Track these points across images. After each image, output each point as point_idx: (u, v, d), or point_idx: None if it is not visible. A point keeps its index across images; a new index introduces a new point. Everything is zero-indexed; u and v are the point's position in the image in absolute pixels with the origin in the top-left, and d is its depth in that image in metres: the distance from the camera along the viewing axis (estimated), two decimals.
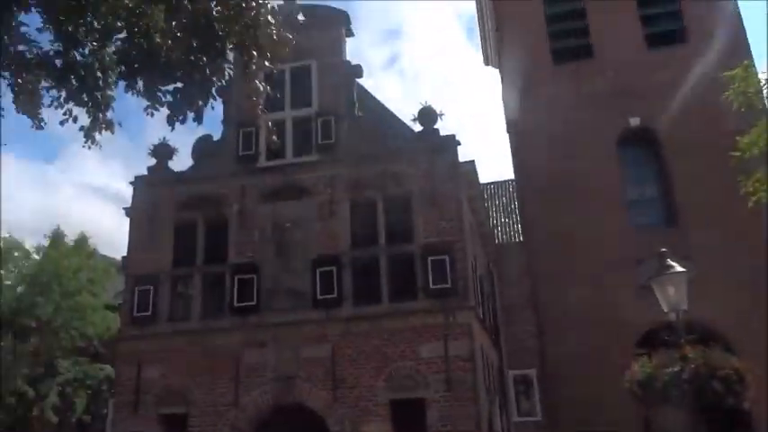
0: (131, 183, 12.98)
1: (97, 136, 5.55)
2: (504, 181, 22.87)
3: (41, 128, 6.13)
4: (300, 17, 13.83)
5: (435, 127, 12.35)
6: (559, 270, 17.14)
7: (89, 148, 5.54)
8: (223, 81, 5.62)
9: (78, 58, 5.30)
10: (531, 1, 20.08)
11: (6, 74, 5.78)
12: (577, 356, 15.84)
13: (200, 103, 5.29)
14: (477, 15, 26.49)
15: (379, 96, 13.05)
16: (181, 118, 5.28)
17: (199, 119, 5.36)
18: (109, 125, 5.49)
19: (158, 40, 5.35)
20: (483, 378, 11.66)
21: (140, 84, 5.28)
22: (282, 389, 10.97)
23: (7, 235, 29.05)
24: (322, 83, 13.07)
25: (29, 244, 29.23)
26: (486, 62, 26.79)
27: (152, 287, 11.98)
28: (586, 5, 19.70)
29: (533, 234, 17.99)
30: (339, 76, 13.09)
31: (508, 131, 20.32)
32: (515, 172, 19.43)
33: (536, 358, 16.62)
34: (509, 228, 20.27)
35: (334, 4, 13.97)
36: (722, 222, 16.04)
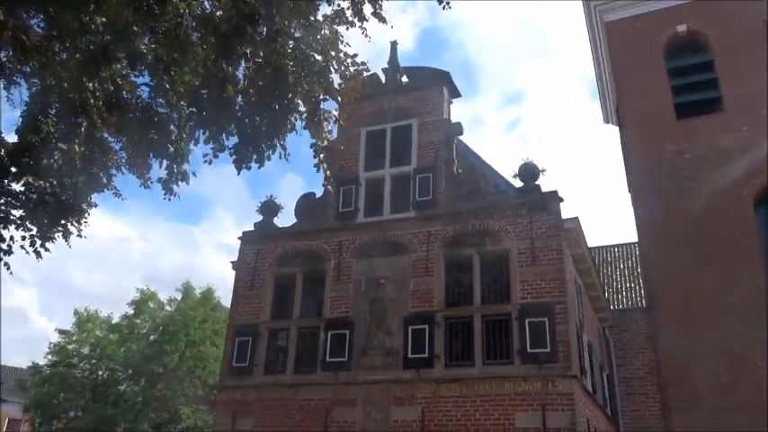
0: (239, 238, 13.65)
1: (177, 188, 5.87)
2: (630, 243, 21.34)
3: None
4: (404, 79, 14.27)
5: (537, 183, 11.86)
6: (688, 343, 15.38)
7: (169, 199, 5.87)
8: (290, 128, 5.71)
9: (159, 110, 5.70)
10: (652, 55, 19.13)
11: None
12: None
13: (264, 149, 5.41)
14: (595, 72, 25.73)
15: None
16: (248, 165, 5.42)
17: (261, 163, 5.47)
18: (184, 176, 5.79)
19: (231, 90, 5.62)
20: None
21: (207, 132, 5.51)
22: None
23: (145, 287, 31.73)
24: (422, 141, 13.14)
25: (163, 296, 31.74)
26: (606, 120, 25.71)
27: (251, 338, 12.31)
28: (715, 56, 18.39)
29: (657, 299, 16.41)
30: (439, 134, 13.09)
31: (630, 191, 19.07)
32: (638, 232, 18.06)
33: None
34: (635, 293, 18.70)
35: (453, 68, 14.05)
36: None
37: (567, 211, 11.67)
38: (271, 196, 14.11)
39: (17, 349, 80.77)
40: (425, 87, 13.58)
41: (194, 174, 5.87)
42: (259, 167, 5.59)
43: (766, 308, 14.39)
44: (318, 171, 5.95)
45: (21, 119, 6.45)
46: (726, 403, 14.25)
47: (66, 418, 30.36)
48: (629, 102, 19.45)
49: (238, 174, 5.61)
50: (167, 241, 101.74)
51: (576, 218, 11.52)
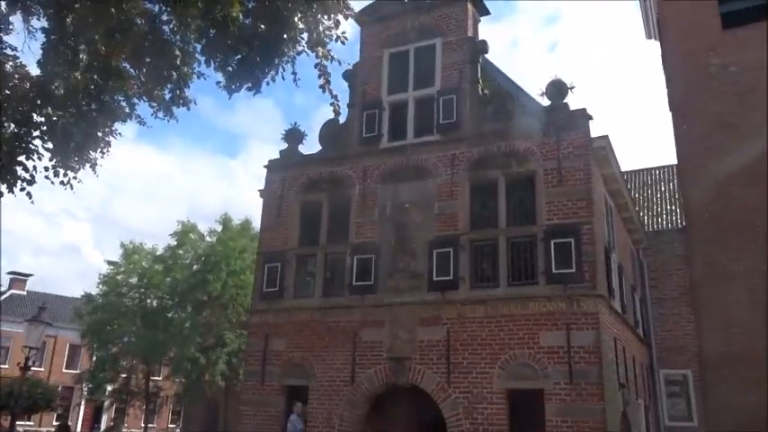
0: (265, 166, 13.71)
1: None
2: (672, 165, 20.57)
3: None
4: None
5: (565, 101, 11.41)
6: (724, 261, 15.05)
7: (168, 121, 5.84)
8: (290, 52, 5.52)
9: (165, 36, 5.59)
10: None
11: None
12: (744, 359, 13.80)
13: (259, 73, 5.27)
14: None
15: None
16: (236, 86, 5.30)
17: (256, 89, 5.35)
18: (186, 101, 5.74)
19: (235, 14, 5.44)
20: (616, 373, 10.60)
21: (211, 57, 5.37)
22: (397, 369, 10.91)
23: (186, 220, 32.59)
24: (445, 61, 12.70)
25: (203, 228, 32.60)
26: (648, 35, 24.29)
27: (279, 264, 12.56)
28: None
29: (695, 220, 15.97)
30: (463, 54, 12.61)
31: (671, 109, 18.20)
32: (677, 152, 17.36)
33: (693, 358, 14.79)
34: (675, 216, 18.16)
35: None
36: None
37: (603, 132, 11.23)
38: (295, 123, 14.05)
39: (74, 281, 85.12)
40: (449, 4, 12.99)
41: (195, 102, 5.80)
42: (254, 93, 5.45)
43: None
44: (324, 92, 5.77)
45: (41, 50, 6.44)
46: (761, 322, 14.05)
47: (120, 343, 32.24)
48: (671, 12, 18.30)
49: (229, 97, 5.50)
50: (208, 175, 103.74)
51: (606, 136, 11.09)
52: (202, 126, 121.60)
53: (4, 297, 44.83)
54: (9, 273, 47.05)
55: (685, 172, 16.75)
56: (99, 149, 7.07)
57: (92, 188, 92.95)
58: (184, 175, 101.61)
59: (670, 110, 18.15)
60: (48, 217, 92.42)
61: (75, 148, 6.34)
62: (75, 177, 6.45)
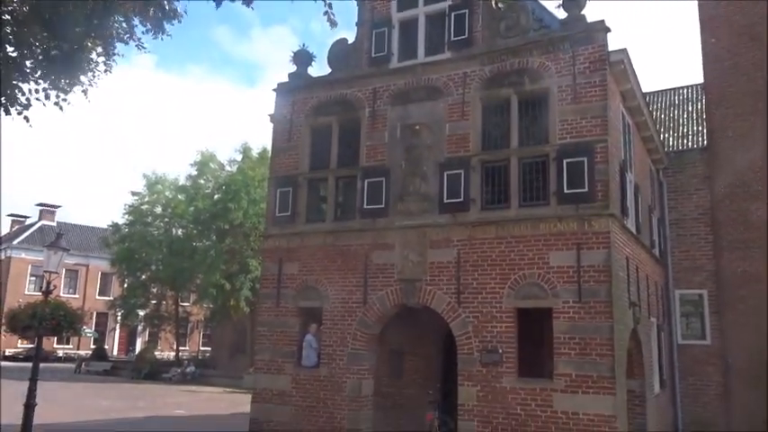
0: (274, 90, 13.49)
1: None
2: (700, 85, 19.68)
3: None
4: None
5: (582, 13, 10.84)
6: (746, 180, 14.66)
7: (162, 39, 5.69)
8: None
9: None
10: None
11: None
12: (758, 278, 13.67)
13: None
14: None
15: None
16: None
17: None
18: (176, 14, 5.55)
19: None
20: (627, 292, 10.59)
21: None
22: (408, 290, 11.03)
23: (204, 149, 32.70)
24: None
25: (223, 158, 32.72)
26: None
27: (291, 189, 12.57)
28: None
29: (718, 140, 15.46)
30: None
31: (700, 22, 17.19)
32: (704, 68, 16.58)
33: (709, 278, 14.69)
34: (701, 136, 17.53)
35: None
36: None
37: (622, 46, 10.68)
38: (303, 45, 13.68)
39: (105, 212, 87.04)
40: None
41: (186, 12, 5.61)
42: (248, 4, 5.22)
43: None
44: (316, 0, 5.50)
45: None
46: None
47: (149, 271, 33.29)
48: None
49: (217, 7, 5.28)
50: (227, 104, 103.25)
51: (624, 50, 10.57)
52: (220, 56, 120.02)
53: (35, 228, 46.26)
54: (38, 204, 48.36)
55: (711, 89, 16.07)
56: (95, 73, 7.01)
57: (115, 119, 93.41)
58: (203, 107, 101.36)
59: (699, 24, 17.22)
60: (74, 148, 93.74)
61: (69, 69, 6.26)
62: (65, 99, 6.38)
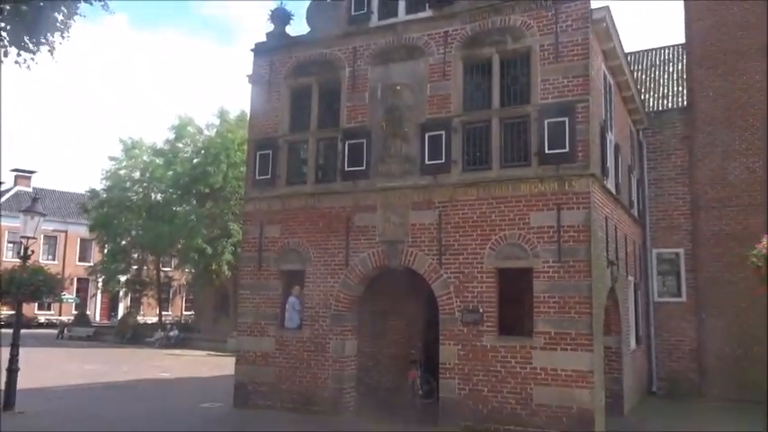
0: (252, 50, 13.19)
1: None
2: (681, 44, 19.59)
3: None
4: None
5: None
6: (724, 140, 14.80)
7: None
8: None
9: None
10: None
11: None
12: (736, 236, 13.93)
13: None
14: None
15: None
16: None
17: None
18: None
19: None
20: (605, 251, 10.73)
21: None
22: (390, 252, 11.07)
23: (182, 114, 32.11)
24: None
25: (202, 122, 32.14)
26: None
27: (271, 151, 12.43)
28: None
29: (698, 100, 15.51)
30: None
31: None
32: (686, 28, 16.49)
33: (686, 237, 14.95)
34: (681, 97, 17.54)
35: None
36: None
37: (606, 5, 10.55)
38: (281, 3, 13.34)
39: (82, 178, 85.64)
40: None
41: None
42: None
43: None
44: None
45: None
46: (758, 199, 14.05)
47: (128, 236, 32.96)
48: None
49: None
50: (204, 65, 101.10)
51: (607, 7, 10.47)
52: (196, 17, 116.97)
53: (10, 194, 45.42)
54: (13, 170, 47.36)
55: (693, 48, 16.05)
56: (62, 32, 6.81)
57: (88, 81, 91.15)
58: (180, 68, 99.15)
59: None
60: (49, 112, 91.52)
61: (30, 28, 6.09)
62: (33, 59, 6.20)
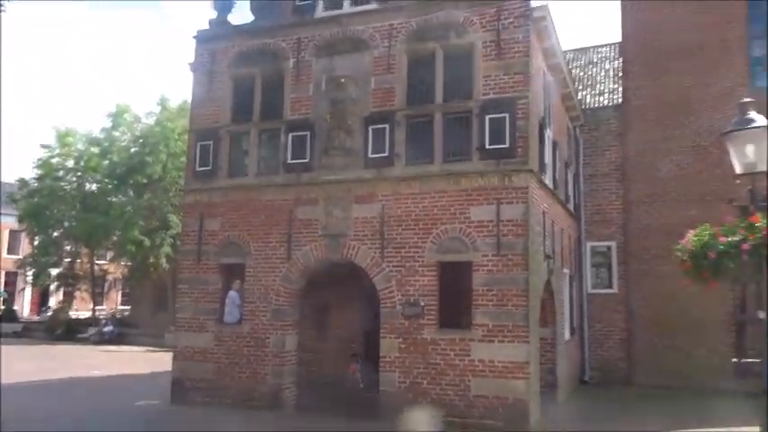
0: (194, 37, 12.83)
1: None
2: (617, 43, 20.26)
3: None
4: None
5: None
6: (656, 137, 15.44)
7: None
8: None
9: None
10: None
11: None
12: (666, 230, 14.54)
13: None
14: None
15: None
16: None
17: None
18: None
19: None
20: (542, 245, 11.03)
21: None
22: (332, 245, 11.02)
23: (120, 102, 30.91)
24: None
25: (141, 111, 31.03)
26: None
27: (212, 142, 12.15)
28: None
29: (632, 98, 16.11)
30: None
31: None
32: (622, 27, 17.05)
33: (618, 231, 15.55)
34: (617, 94, 18.15)
35: None
36: None
37: (545, 4, 10.78)
38: None
39: (6, 167, 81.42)
40: None
41: None
42: None
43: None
44: None
45: None
46: (686, 195, 14.73)
47: (61, 227, 31.53)
48: None
49: None
50: (144, 51, 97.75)
51: (546, 6, 10.71)
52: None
53: None
54: None
55: (628, 47, 16.62)
56: None
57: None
58: (118, 54, 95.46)
59: None
60: None
61: None
62: None
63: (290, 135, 11.62)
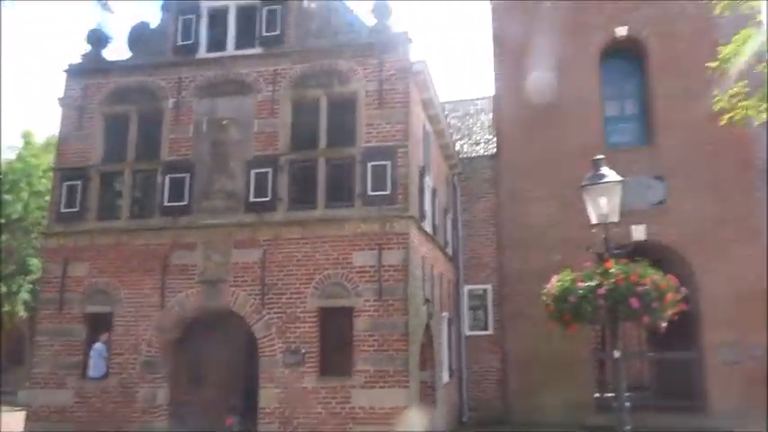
0: (65, 71, 12.11)
1: None
2: (492, 96, 21.67)
3: None
4: None
5: (388, 23, 11.34)
6: (526, 186, 16.53)
7: None
8: None
9: None
10: None
11: None
12: (535, 274, 15.44)
13: None
14: None
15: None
16: None
17: None
18: None
19: None
20: (422, 289, 11.30)
21: None
22: (210, 292, 10.61)
23: None
24: None
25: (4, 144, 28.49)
26: None
27: (81, 182, 11.40)
28: None
29: (504, 148, 17.21)
30: None
31: (494, 41, 18.88)
32: (495, 83, 18.30)
33: (493, 274, 16.32)
34: (492, 145, 19.29)
35: None
36: (699, 143, 15.32)
37: (423, 58, 11.37)
38: (99, 24, 12.47)
39: None
40: None
41: None
42: None
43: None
44: None
45: None
46: (552, 241, 15.79)
47: None
48: None
49: None
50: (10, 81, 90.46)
51: (424, 61, 11.28)
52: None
53: None
54: None
55: (500, 101, 17.81)
56: None
57: None
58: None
59: (492, 39, 18.95)
60: None
61: None
62: None
63: (168, 177, 11.18)
